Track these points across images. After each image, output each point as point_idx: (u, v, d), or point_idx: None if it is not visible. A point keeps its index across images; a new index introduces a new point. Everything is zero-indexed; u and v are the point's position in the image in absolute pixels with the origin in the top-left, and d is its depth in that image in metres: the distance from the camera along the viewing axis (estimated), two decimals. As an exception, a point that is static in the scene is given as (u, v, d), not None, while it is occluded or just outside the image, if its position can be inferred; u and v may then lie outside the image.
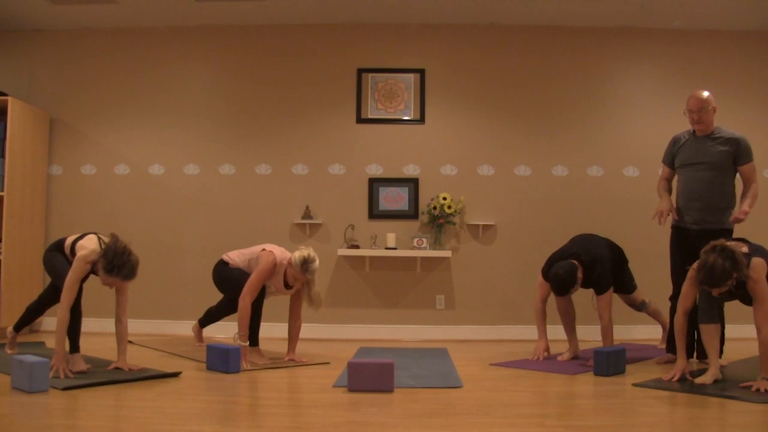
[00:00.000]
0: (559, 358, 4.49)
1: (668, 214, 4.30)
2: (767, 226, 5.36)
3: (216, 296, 4.79)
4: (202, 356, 4.24)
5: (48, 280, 4.16)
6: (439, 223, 5.59)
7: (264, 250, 4.32)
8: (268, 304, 4.41)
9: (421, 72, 5.82)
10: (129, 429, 2.66)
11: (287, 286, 4.33)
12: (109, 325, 3.87)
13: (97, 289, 4.22)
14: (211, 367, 3.96)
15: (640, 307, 4.83)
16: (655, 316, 4.90)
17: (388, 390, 3.40)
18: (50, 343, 4.34)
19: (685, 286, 3.75)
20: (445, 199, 5.58)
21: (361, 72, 5.82)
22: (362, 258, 5.67)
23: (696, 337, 4.13)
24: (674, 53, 5.81)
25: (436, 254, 5.54)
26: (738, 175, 4.22)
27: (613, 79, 5.83)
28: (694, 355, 4.26)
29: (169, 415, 2.88)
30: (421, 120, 5.80)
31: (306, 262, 4.14)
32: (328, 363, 4.27)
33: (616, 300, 4.63)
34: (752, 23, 5.69)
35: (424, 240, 5.57)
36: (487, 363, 4.36)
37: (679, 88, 5.50)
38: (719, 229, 4.07)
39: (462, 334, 5.63)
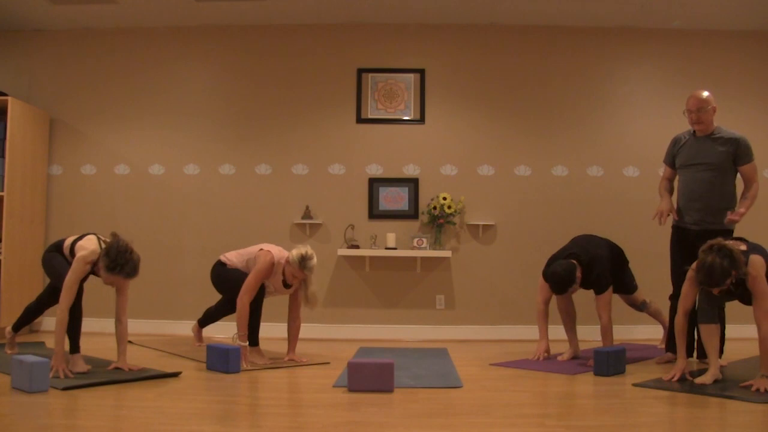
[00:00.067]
0: (559, 358, 4.49)
1: (668, 215, 4.31)
2: (767, 226, 5.35)
3: (216, 296, 4.79)
4: (202, 356, 4.24)
5: (48, 280, 4.16)
6: (439, 223, 5.59)
7: (262, 249, 4.32)
8: (267, 304, 4.41)
9: (421, 72, 5.82)
10: (129, 429, 2.66)
11: (286, 285, 4.33)
12: (109, 325, 3.87)
13: (97, 289, 4.23)
14: (211, 367, 3.96)
15: (641, 307, 4.83)
16: (655, 316, 4.90)
17: (388, 390, 3.40)
18: (50, 343, 4.34)
19: (685, 287, 3.75)
20: (445, 199, 5.58)
21: (361, 72, 5.82)
22: (362, 258, 5.67)
23: (696, 337, 4.12)
24: (674, 53, 5.81)
25: (436, 254, 5.54)
26: (739, 175, 4.22)
27: (613, 79, 5.83)
28: (694, 354, 4.26)
29: (169, 415, 2.88)
30: (421, 120, 5.80)
31: (304, 259, 4.14)
32: (328, 363, 4.27)
33: (616, 300, 4.63)
34: (752, 23, 5.69)
35: (424, 240, 5.57)
36: (487, 363, 4.36)
37: (679, 88, 5.50)
38: (719, 230, 4.07)
39: (462, 334, 5.63)
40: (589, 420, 2.89)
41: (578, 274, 4.27)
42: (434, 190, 5.71)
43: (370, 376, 3.40)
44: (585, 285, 4.40)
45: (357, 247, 5.60)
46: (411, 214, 5.71)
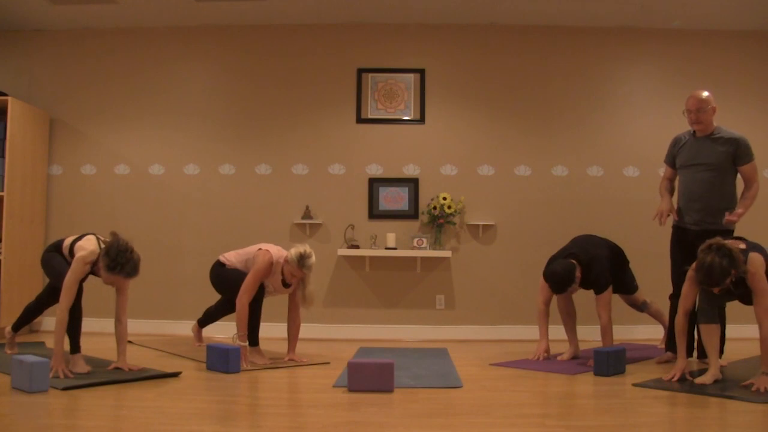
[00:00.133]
0: (559, 358, 4.50)
1: (668, 215, 4.31)
2: (767, 225, 5.35)
3: (215, 296, 4.79)
4: (202, 356, 4.24)
5: (47, 280, 4.16)
6: (439, 223, 5.59)
7: (260, 249, 4.32)
8: (267, 304, 4.41)
9: (421, 72, 5.82)
10: (129, 429, 2.66)
11: (285, 284, 4.33)
12: (109, 325, 3.87)
13: (97, 289, 4.23)
14: (211, 367, 3.96)
15: (641, 307, 4.83)
16: (656, 316, 4.90)
17: (388, 390, 3.40)
18: (50, 343, 4.34)
19: (685, 287, 3.75)
20: (445, 199, 5.58)
21: (361, 72, 5.82)
22: (362, 258, 5.67)
23: (696, 337, 4.12)
24: (674, 53, 5.81)
25: (436, 254, 5.54)
26: (740, 175, 4.21)
27: (613, 79, 5.83)
28: (694, 354, 4.26)
29: (169, 415, 2.88)
30: (421, 120, 5.80)
31: (302, 258, 4.14)
32: (328, 363, 4.27)
33: (616, 300, 4.63)
34: (752, 23, 5.69)
35: (424, 240, 5.57)
36: (487, 363, 4.36)
37: (679, 88, 5.50)
38: (719, 230, 4.06)
39: (462, 334, 5.63)
40: (589, 420, 2.89)
41: (577, 273, 4.28)
42: (434, 190, 5.71)
43: (370, 376, 3.40)
44: (585, 285, 4.41)
45: (357, 247, 5.60)
46: (411, 214, 5.71)
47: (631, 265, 4.73)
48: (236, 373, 3.85)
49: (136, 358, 4.21)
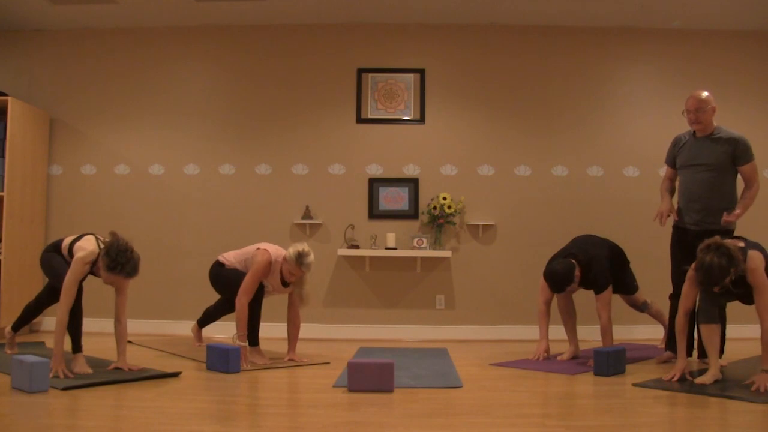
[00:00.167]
0: (559, 358, 4.50)
1: (668, 216, 4.31)
2: (767, 225, 5.35)
3: (215, 296, 4.79)
4: (202, 356, 4.24)
5: (47, 280, 4.16)
6: (439, 223, 5.59)
7: (258, 249, 4.32)
8: (267, 304, 4.41)
9: (421, 72, 5.82)
10: (129, 429, 2.66)
11: (284, 284, 4.32)
12: (108, 325, 3.87)
13: (97, 289, 4.23)
14: (211, 367, 3.96)
15: (641, 307, 4.83)
16: (656, 316, 4.90)
17: (388, 390, 3.40)
18: (50, 343, 4.34)
19: (686, 287, 3.75)
20: (445, 199, 5.58)
21: (361, 72, 5.82)
22: (362, 258, 5.67)
23: (696, 337, 4.12)
24: (674, 53, 5.81)
25: (436, 254, 5.54)
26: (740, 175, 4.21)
27: (613, 79, 5.83)
28: (694, 354, 4.26)
29: (169, 415, 2.88)
30: (421, 120, 5.80)
31: (301, 256, 4.13)
32: (328, 363, 4.27)
33: (617, 300, 4.63)
34: (752, 23, 5.69)
35: (424, 240, 5.57)
36: (487, 363, 4.36)
37: (679, 88, 5.50)
38: (719, 230, 4.06)
39: (462, 334, 5.63)
40: (589, 420, 2.89)
41: (576, 273, 4.29)
42: (434, 190, 5.71)
43: (370, 376, 3.40)
44: (584, 284, 4.41)
45: (357, 247, 5.60)
46: (411, 214, 5.71)
47: (631, 265, 4.73)
48: (236, 373, 3.85)
49: (136, 358, 4.21)
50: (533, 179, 5.75)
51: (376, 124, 5.80)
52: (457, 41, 5.84)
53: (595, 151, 5.77)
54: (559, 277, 4.25)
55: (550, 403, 3.31)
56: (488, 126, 5.80)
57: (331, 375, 3.85)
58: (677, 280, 4.26)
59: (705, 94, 4.17)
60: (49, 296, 4.11)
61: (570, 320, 4.58)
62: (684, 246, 4.25)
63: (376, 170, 5.77)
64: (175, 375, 3.74)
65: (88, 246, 3.70)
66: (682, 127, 4.45)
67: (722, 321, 3.98)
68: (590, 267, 4.33)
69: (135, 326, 5.25)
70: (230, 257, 4.52)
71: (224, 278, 4.47)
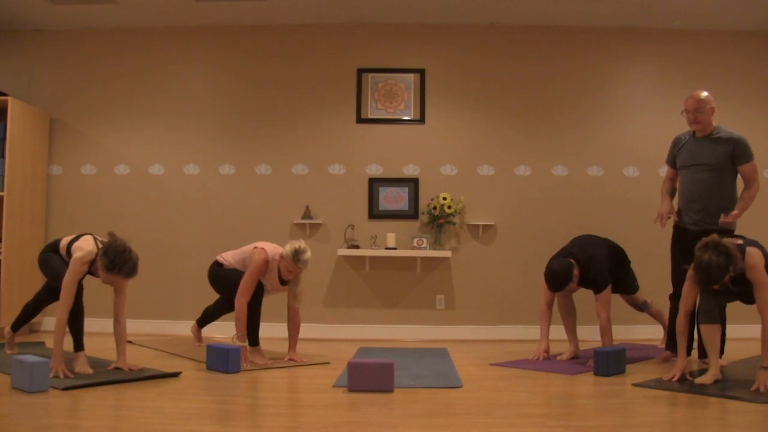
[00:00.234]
0: (559, 357, 4.50)
1: (668, 218, 4.31)
2: (767, 225, 5.35)
3: (215, 296, 4.79)
4: (201, 356, 4.24)
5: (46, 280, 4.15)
6: (439, 223, 5.59)
7: (256, 248, 4.32)
8: (267, 304, 4.41)
9: (421, 72, 5.82)
10: (129, 429, 2.66)
11: (283, 282, 4.32)
12: (108, 325, 3.87)
13: (96, 289, 4.23)
14: (211, 367, 3.96)
15: (641, 307, 4.84)
16: (656, 316, 4.90)
17: (388, 390, 3.40)
18: (50, 343, 4.34)
19: (686, 287, 3.75)
20: (445, 199, 5.58)
21: (361, 72, 5.82)
22: (362, 258, 5.67)
23: (696, 336, 4.12)
24: (674, 53, 5.81)
25: (436, 254, 5.54)
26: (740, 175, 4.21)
27: (613, 79, 5.83)
28: (694, 354, 4.25)
29: (169, 415, 2.88)
30: (421, 120, 5.80)
31: (297, 253, 4.13)
32: (328, 363, 4.27)
33: (617, 300, 4.63)
34: (752, 23, 5.69)
35: (424, 240, 5.57)
36: (487, 363, 4.36)
37: (679, 88, 5.49)
38: (719, 230, 4.05)
39: (462, 334, 5.63)
40: (589, 420, 2.89)
41: (575, 272, 4.30)
42: (434, 190, 5.71)
43: (370, 376, 3.40)
44: (583, 284, 4.42)
45: (357, 247, 5.60)
46: (411, 214, 5.71)
47: (631, 265, 4.73)
48: (236, 373, 3.85)
49: (136, 358, 4.21)
50: (533, 179, 5.75)
51: (376, 124, 5.80)
52: (457, 41, 5.84)
53: (595, 151, 5.77)
54: (557, 276, 4.27)
55: (550, 403, 3.31)
56: (488, 126, 5.80)
57: (331, 375, 3.85)
58: (677, 280, 4.26)
59: (704, 94, 4.17)
60: (48, 295, 4.11)
61: (570, 320, 4.59)
62: (684, 246, 4.25)
63: (376, 170, 5.77)
64: (175, 375, 3.74)
65: (86, 246, 3.70)
66: (682, 127, 4.45)
67: (722, 321, 3.98)
68: (589, 267, 4.33)
69: (135, 326, 5.26)
70: (229, 257, 4.52)
71: (223, 278, 4.47)
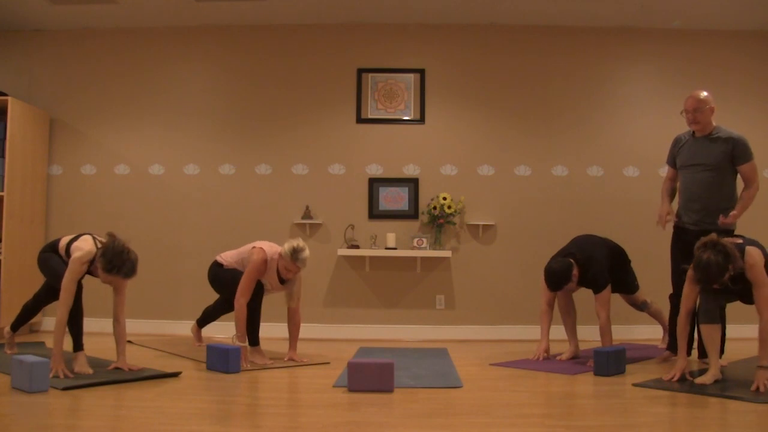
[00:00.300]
0: (559, 357, 4.50)
1: (668, 220, 4.31)
2: (767, 225, 5.35)
3: (215, 296, 4.79)
4: (201, 356, 4.24)
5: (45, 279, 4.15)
6: (439, 223, 5.59)
7: (254, 247, 4.32)
8: (267, 304, 4.41)
9: (421, 72, 5.82)
10: (129, 429, 2.66)
11: (282, 281, 4.32)
12: (108, 325, 3.87)
13: (96, 289, 4.23)
14: (211, 367, 3.96)
15: (641, 307, 4.84)
16: (656, 316, 4.90)
17: (388, 390, 3.40)
18: (50, 343, 4.34)
19: (686, 287, 3.75)
20: (445, 199, 5.58)
21: (361, 72, 5.82)
22: (362, 258, 5.67)
23: (696, 336, 4.12)
24: (674, 53, 5.81)
25: (436, 254, 5.54)
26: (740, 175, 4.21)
27: (613, 79, 5.83)
28: (694, 353, 4.25)
29: (169, 415, 2.88)
30: (421, 120, 5.80)
31: (296, 252, 4.13)
32: (328, 363, 4.27)
33: (617, 300, 4.63)
34: (752, 23, 5.69)
35: (424, 240, 5.57)
36: (487, 363, 4.36)
37: (679, 88, 5.49)
38: (718, 230, 4.05)
39: (462, 334, 5.63)
40: (589, 420, 2.89)
41: (574, 272, 4.30)
42: (434, 190, 5.71)
43: (370, 376, 3.40)
44: (583, 284, 4.42)
45: (357, 247, 5.60)
46: (411, 214, 5.71)
47: (631, 265, 4.73)
48: (236, 373, 3.85)
49: (136, 358, 4.21)
50: (533, 179, 5.75)
51: (376, 124, 5.80)
52: (457, 41, 5.84)
53: (595, 151, 5.77)
54: (556, 275, 4.27)
55: (550, 403, 3.31)
56: (488, 126, 5.80)
57: (331, 375, 3.85)
58: (677, 280, 4.26)
59: (703, 94, 4.17)
60: (47, 295, 4.11)
61: (570, 320, 4.59)
62: (684, 246, 4.24)
63: (376, 170, 5.77)
64: (175, 375, 3.74)
65: (85, 246, 3.70)
66: (681, 127, 4.45)
67: (722, 321, 3.98)
68: (588, 266, 4.34)
69: (135, 326, 5.26)
70: (228, 257, 4.52)
71: (223, 278, 4.47)
